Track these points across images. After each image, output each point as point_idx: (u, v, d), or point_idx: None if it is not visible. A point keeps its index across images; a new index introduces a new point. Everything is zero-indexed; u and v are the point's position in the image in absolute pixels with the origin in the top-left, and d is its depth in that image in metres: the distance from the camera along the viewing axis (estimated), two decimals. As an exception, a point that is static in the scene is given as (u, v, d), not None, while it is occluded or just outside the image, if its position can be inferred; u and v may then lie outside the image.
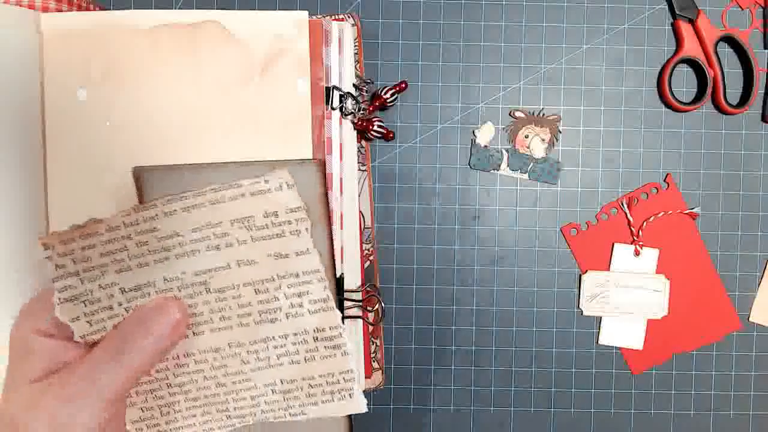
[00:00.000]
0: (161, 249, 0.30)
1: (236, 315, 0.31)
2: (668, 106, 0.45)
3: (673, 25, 0.45)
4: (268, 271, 0.30)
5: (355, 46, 0.42)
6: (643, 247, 0.45)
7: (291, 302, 0.31)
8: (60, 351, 0.29)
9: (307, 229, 0.30)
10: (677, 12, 0.45)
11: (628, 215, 0.45)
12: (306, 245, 0.30)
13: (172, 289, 0.30)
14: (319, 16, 0.41)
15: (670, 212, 0.45)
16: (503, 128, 0.45)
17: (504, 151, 0.45)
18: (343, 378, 0.32)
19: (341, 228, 0.41)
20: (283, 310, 0.31)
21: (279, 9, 0.45)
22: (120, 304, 0.30)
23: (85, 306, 0.29)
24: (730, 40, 0.45)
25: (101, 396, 0.28)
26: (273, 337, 0.31)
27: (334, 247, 0.40)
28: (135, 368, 0.29)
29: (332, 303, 0.31)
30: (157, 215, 0.29)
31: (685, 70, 0.46)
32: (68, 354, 0.30)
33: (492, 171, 0.45)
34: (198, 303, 0.30)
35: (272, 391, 0.32)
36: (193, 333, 0.31)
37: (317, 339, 0.31)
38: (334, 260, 0.33)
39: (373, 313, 0.42)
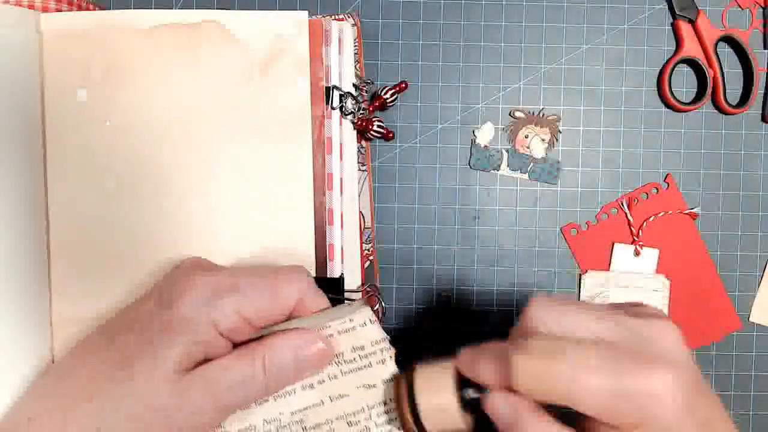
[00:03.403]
0: None
1: None
2: (668, 106, 0.45)
3: (673, 25, 0.45)
4: (358, 403, 0.32)
5: (355, 46, 0.42)
6: (643, 247, 0.45)
7: (381, 430, 0.32)
8: (213, 342, 0.29)
9: (391, 357, 0.32)
10: (677, 12, 0.45)
11: (628, 215, 0.45)
12: (392, 372, 0.32)
13: (271, 430, 0.32)
14: (319, 16, 0.41)
15: (670, 212, 0.45)
16: (503, 128, 0.45)
17: (504, 151, 0.45)
18: None
19: (341, 228, 0.41)
20: None
21: (279, 9, 0.45)
22: None
23: None
24: (730, 40, 0.45)
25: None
26: None
27: (335, 247, 0.40)
28: (269, 387, 0.30)
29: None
30: None
31: (685, 70, 0.46)
32: (218, 346, 0.30)
33: (492, 171, 0.45)
34: None
35: None
36: None
37: None
38: None
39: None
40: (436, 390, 0.29)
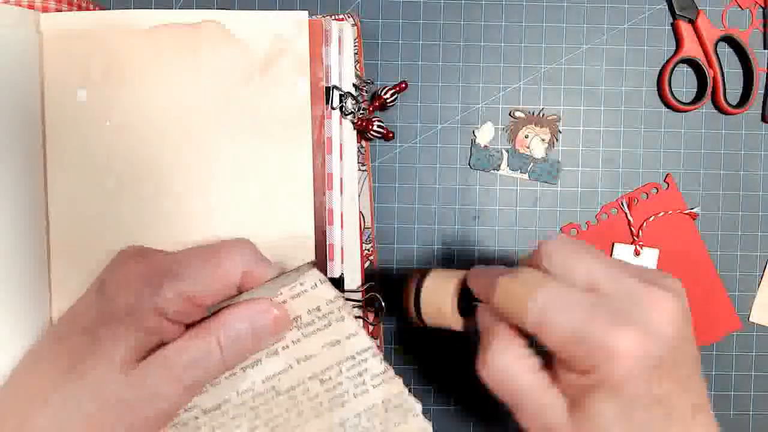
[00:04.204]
0: None
1: (309, 408, 0.32)
2: (668, 106, 0.45)
3: (673, 25, 0.45)
4: (326, 361, 0.32)
5: (355, 46, 0.42)
6: (643, 247, 0.45)
7: (354, 383, 0.33)
8: (162, 328, 0.29)
9: (349, 313, 0.32)
10: (677, 12, 0.45)
11: (628, 215, 0.45)
12: (353, 327, 0.32)
13: (247, 401, 0.32)
14: (319, 16, 0.41)
15: (670, 212, 0.45)
16: (503, 128, 0.45)
17: (504, 151, 0.45)
18: None
19: (341, 228, 0.41)
20: (350, 392, 0.33)
21: (279, 9, 0.45)
22: (205, 425, 0.32)
23: (178, 429, 0.31)
24: (730, 40, 0.45)
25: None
26: (347, 419, 0.33)
27: (335, 247, 0.40)
28: (227, 361, 0.30)
29: (392, 372, 0.33)
30: None
31: (685, 70, 0.46)
32: (168, 332, 0.29)
33: (492, 171, 0.45)
34: (272, 408, 0.32)
35: None
36: None
37: (387, 410, 0.33)
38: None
39: (373, 313, 0.42)
40: (438, 291, 0.33)
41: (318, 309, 0.32)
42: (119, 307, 0.29)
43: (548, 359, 0.29)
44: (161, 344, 0.29)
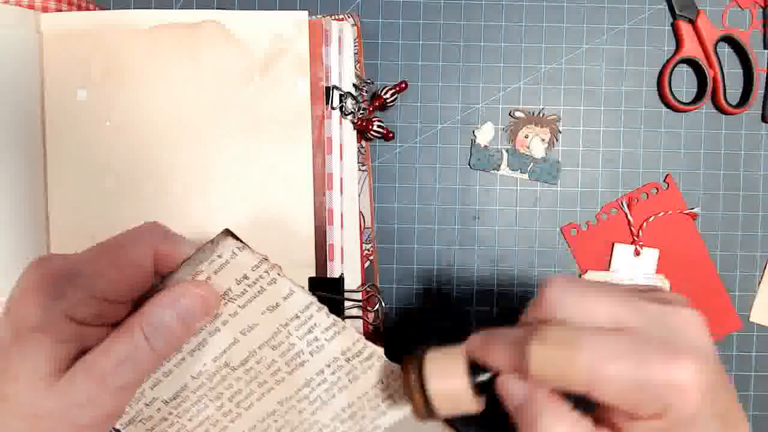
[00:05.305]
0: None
1: (269, 376, 0.32)
2: (668, 106, 0.45)
3: (673, 25, 0.45)
4: (271, 326, 0.31)
5: (355, 46, 0.42)
6: (643, 247, 0.45)
7: (307, 340, 0.31)
8: (80, 334, 0.28)
9: (279, 274, 0.30)
10: (677, 12, 0.45)
11: (628, 215, 0.45)
12: (288, 287, 0.30)
13: (204, 383, 0.31)
14: (319, 16, 0.41)
15: (670, 212, 0.45)
16: (503, 128, 0.45)
17: (504, 151, 0.45)
18: (392, 380, 0.33)
19: (341, 228, 0.41)
20: (305, 351, 0.32)
21: (279, 9, 0.45)
22: (171, 414, 0.31)
23: (145, 424, 0.31)
24: (730, 40, 0.45)
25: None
26: (312, 378, 0.32)
27: (335, 247, 0.40)
28: (159, 352, 0.28)
29: (342, 323, 0.32)
30: None
31: (685, 70, 0.46)
32: (89, 336, 0.28)
33: (492, 171, 0.45)
34: (232, 383, 0.32)
35: (341, 421, 0.33)
36: (245, 409, 0.32)
37: (349, 360, 0.32)
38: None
39: (373, 313, 0.42)
40: (447, 375, 0.29)
41: (246, 277, 0.30)
42: (28, 323, 0.27)
43: (596, 412, 0.26)
44: (87, 350, 0.28)
